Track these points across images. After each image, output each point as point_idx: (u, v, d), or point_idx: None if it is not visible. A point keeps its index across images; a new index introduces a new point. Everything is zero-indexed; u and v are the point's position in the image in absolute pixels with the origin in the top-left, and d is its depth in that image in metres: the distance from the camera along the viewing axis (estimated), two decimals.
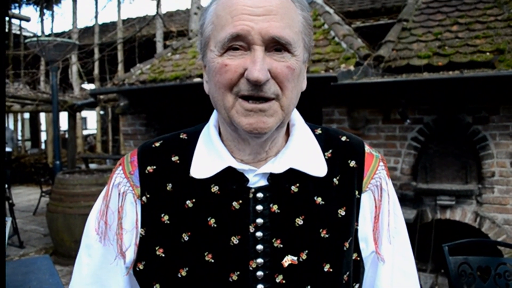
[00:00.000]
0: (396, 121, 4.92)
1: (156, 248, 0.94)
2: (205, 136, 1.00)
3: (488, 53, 4.40)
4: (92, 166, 10.64)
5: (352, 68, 4.79)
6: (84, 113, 16.97)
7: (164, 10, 12.34)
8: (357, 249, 1.00)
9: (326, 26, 5.73)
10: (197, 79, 5.62)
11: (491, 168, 4.52)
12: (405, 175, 4.89)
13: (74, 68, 12.07)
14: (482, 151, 4.56)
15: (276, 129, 0.90)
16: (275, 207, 0.93)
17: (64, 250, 5.63)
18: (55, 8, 15.03)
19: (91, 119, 22.05)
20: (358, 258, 1.00)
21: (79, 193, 5.56)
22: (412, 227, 4.61)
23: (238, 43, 0.83)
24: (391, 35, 5.17)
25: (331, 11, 6.26)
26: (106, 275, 0.98)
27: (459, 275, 2.33)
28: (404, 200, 4.86)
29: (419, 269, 5.01)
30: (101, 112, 14.66)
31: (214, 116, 1.02)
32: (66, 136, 10.89)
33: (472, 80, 4.17)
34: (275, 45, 0.84)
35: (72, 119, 8.78)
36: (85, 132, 17.70)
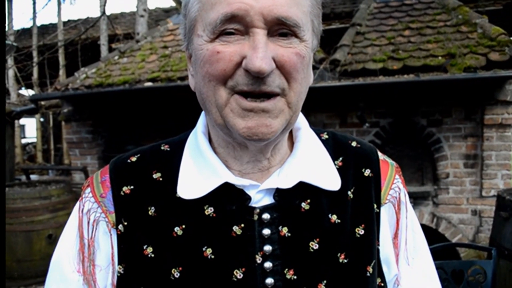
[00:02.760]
0: (353, 125, 4.94)
1: None
2: (192, 146, 0.82)
3: (440, 57, 4.51)
4: (33, 177, 9.97)
5: None
6: (22, 121, 15.97)
7: (108, 12, 11.83)
8: (380, 273, 0.84)
9: None
10: (148, 83, 5.38)
11: (446, 170, 4.63)
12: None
13: (11, 72, 11.30)
14: (436, 153, 4.66)
15: (282, 132, 0.73)
16: (284, 230, 0.76)
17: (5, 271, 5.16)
18: None
19: (30, 127, 20.83)
20: (382, 284, 0.85)
21: (20, 208, 5.09)
22: None
23: (233, 25, 0.67)
24: (346, 39, 5.18)
25: None
26: None
27: None
28: None
29: None
30: (42, 119, 13.85)
31: (201, 121, 0.84)
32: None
33: (427, 83, 4.25)
34: (280, 28, 0.68)
35: (9, 127, 8.15)
36: (23, 141, 16.66)
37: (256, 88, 0.67)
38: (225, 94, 0.69)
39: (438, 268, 2.31)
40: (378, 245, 0.85)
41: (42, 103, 8.32)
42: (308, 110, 5.05)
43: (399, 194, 0.89)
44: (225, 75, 0.68)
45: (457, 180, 4.61)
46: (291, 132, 0.86)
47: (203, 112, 0.83)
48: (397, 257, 0.88)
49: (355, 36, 5.25)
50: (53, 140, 13.36)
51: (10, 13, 11.58)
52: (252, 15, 0.65)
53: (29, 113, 8.37)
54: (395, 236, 0.88)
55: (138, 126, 6.60)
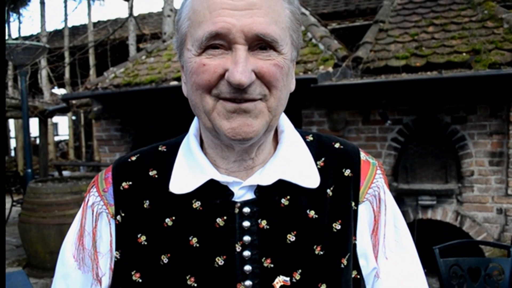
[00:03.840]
0: (375, 122, 4.93)
1: (132, 273, 0.84)
2: (185, 147, 0.90)
3: (464, 54, 4.45)
4: (65, 173, 10.34)
5: (331, 69, 4.78)
6: (55, 119, 16.52)
7: (136, 12, 12.11)
8: (356, 266, 0.91)
9: (303, 27, 5.71)
10: (174, 83, 5.51)
11: (470, 167, 4.57)
12: (386, 175, 4.89)
13: (44, 73, 11.72)
14: (461, 151, 4.61)
15: (264, 134, 0.81)
16: (263, 223, 0.84)
17: (38, 262, 5.40)
18: (22, 10, 14.58)
19: (62, 125, 21.50)
20: (358, 276, 0.91)
21: (52, 202, 5.34)
22: None
23: (217, 41, 0.74)
24: (369, 36, 5.18)
25: (307, 12, 6.25)
26: None
27: (450, 277, 2.32)
28: None
29: None
30: (73, 118, 14.29)
31: (194, 125, 0.93)
32: (37, 142, 10.55)
33: (450, 80, 4.21)
34: (260, 43, 0.75)
35: (43, 125, 8.49)
36: (56, 138, 17.23)
37: (238, 96, 0.75)
38: (211, 101, 0.77)
39: (454, 264, 2.34)
40: (355, 240, 0.90)
41: (73, 102, 8.61)
42: (331, 108, 5.08)
43: (379, 192, 0.95)
44: (210, 85, 0.76)
45: (482, 178, 4.54)
46: (276, 135, 0.93)
47: (196, 117, 0.91)
48: (376, 252, 0.93)
49: (378, 33, 5.24)
50: (84, 138, 13.78)
51: (43, 16, 11.99)
52: (234, 33, 0.73)
53: (61, 111, 8.68)
54: (374, 232, 0.93)
55: (164, 123, 6.77)
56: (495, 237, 4.50)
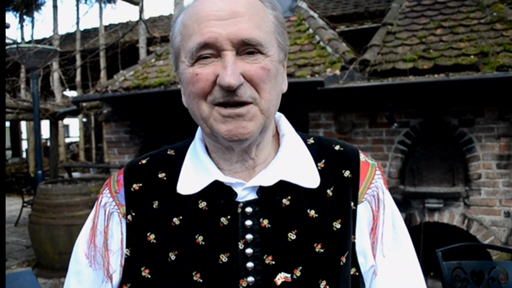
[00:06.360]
0: (382, 125, 4.92)
1: (142, 269, 0.88)
2: (191, 151, 0.95)
3: (472, 56, 4.43)
4: (75, 175, 10.43)
5: (338, 72, 4.79)
6: (66, 121, 16.70)
7: (147, 15, 12.21)
8: (355, 264, 0.94)
9: (311, 30, 5.73)
10: None
11: (478, 170, 4.54)
12: (392, 178, 4.88)
13: (56, 76, 11.86)
14: (468, 153, 4.58)
15: (260, 134, 0.85)
16: (265, 222, 0.87)
17: (48, 262, 5.47)
18: (35, 14, 14.79)
19: (73, 127, 21.74)
20: (357, 273, 0.94)
21: (62, 203, 5.41)
22: None
23: (207, 51, 0.80)
24: (376, 39, 5.18)
25: (316, 15, 6.27)
26: None
27: (453, 280, 2.31)
28: None
29: None
30: (84, 120, 14.43)
31: (199, 130, 0.97)
32: (48, 144, 10.68)
33: (457, 83, 4.19)
34: (247, 48, 0.80)
35: (54, 127, 8.60)
36: (67, 140, 17.41)
37: (230, 99, 0.79)
38: (207, 108, 0.82)
39: (456, 267, 2.33)
40: (354, 238, 0.93)
41: (84, 104, 8.71)
42: (338, 110, 5.08)
43: (377, 192, 0.97)
44: (204, 92, 0.81)
45: (490, 181, 4.51)
46: (278, 139, 0.97)
47: None
48: (374, 250, 0.95)
49: (386, 36, 5.23)
50: (94, 140, 13.90)
51: (55, 19, 12.15)
52: (221, 41, 0.78)
53: (72, 114, 8.78)
54: (372, 230, 0.96)
55: (173, 126, 6.81)
56: (502, 240, 4.46)
